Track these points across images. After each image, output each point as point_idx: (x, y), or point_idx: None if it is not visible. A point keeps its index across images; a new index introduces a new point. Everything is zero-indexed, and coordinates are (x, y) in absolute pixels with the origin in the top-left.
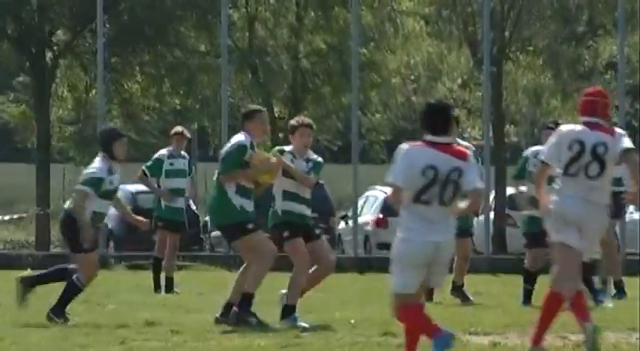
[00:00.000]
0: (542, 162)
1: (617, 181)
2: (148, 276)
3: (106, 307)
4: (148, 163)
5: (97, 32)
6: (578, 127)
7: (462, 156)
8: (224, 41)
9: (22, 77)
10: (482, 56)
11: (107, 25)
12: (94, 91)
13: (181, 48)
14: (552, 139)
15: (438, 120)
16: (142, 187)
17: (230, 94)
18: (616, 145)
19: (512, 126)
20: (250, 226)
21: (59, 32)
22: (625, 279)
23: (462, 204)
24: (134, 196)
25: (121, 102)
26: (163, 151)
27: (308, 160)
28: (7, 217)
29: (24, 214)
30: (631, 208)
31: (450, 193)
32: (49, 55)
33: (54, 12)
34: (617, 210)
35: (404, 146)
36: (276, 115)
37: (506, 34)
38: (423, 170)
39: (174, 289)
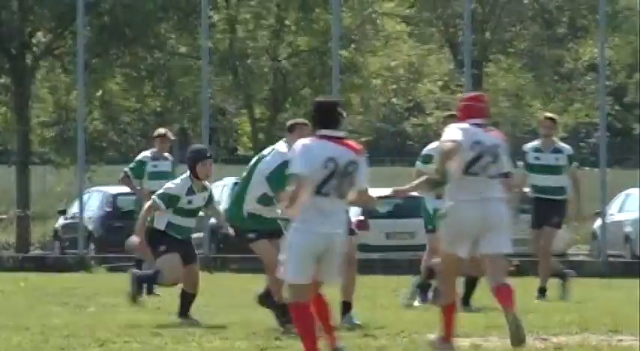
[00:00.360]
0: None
1: (561, 190)
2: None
3: (86, 310)
4: (131, 165)
5: (77, 34)
6: (473, 129)
7: (357, 150)
8: (205, 43)
9: (1, 78)
10: (463, 58)
11: (87, 27)
12: (74, 93)
13: (162, 50)
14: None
15: (330, 115)
16: (122, 189)
17: (211, 95)
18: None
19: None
20: (251, 235)
21: (39, 34)
22: (608, 281)
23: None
24: (114, 197)
25: (101, 104)
26: (147, 153)
27: None
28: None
29: (4, 216)
30: (612, 209)
31: (347, 186)
32: (29, 56)
33: (34, 13)
34: (559, 219)
35: (302, 140)
36: (257, 116)
37: (487, 36)
38: (324, 162)
39: (154, 291)
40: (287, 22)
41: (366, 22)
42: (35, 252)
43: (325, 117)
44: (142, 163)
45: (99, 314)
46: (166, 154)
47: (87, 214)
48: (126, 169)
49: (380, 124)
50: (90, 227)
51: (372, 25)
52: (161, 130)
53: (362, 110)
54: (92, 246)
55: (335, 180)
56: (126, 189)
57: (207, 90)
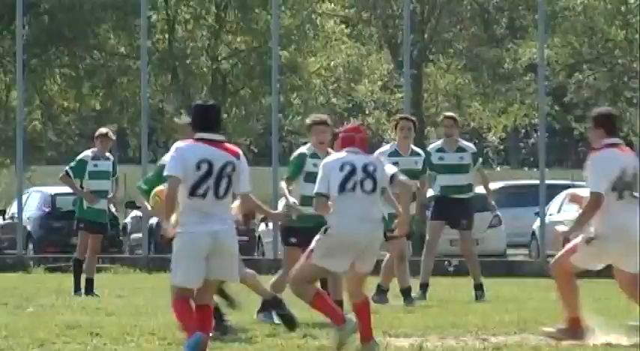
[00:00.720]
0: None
1: (467, 188)
2: (67, 278)
3: (25, 310)
4: (72, 164)
5: (16, 33)
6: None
7: (234, 153)
8: (144, 43)
9: None
10: (402, 58)
11: (27, 27)
12: (13, 93)
13: (101, 50)
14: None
15: (209, 119)
16: (61, 189)
17: (150, 96)
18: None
19: (432, 128)
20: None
21: None
22: (546, 281)
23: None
24: (53, 197)
25: (41, 104)
26: (88, 153)
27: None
28: None
29: None
30: (551, 209)
31: (225, 187)
32: None
33: None
34: (468, 220)
35: (176, 144)
36: None
37: (427, 36)
38: (197, 164)
39: (94, 292)
40: (226, 22)
41: (306, 22)
42: None
43: (203, 120)
44: (82, 162)
45: (38, 314)
46: (108, 154)
47: (26, 214)
48: (67, 168)
49: None
50: (29, 227)
51: (311, 25)
52: (103, 130)
53: (302, 111)
54: (31, 246)
55: (211, 180)
56: (65, 189)
57: (146, 90)
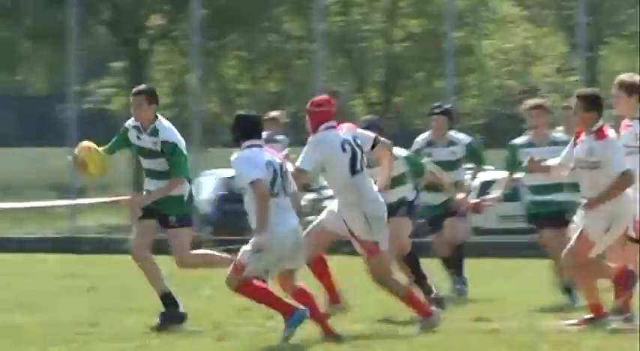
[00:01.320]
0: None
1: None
2: None
3: (201, 292)
4: None
5: (192, 17)
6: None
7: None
8: (319, 26)
9: (117, 62)
10: (577, 41)
11: (202, 10)
12: (189, 76)
13: (277, 32)
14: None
15: (254, 127)
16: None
17: (325, 79)
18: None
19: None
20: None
21: (154, 17)
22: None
23: None
24: (228, 180)
25: (217, 87)
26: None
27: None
28: (101, 200)
29: (119, 198)
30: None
31: (287, 184)
32: (144, 40)
33: None
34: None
35: (242, 153)
36: (371, 100)
37: (601, 18)
38: (266, 166)
39: None
40: (401, 5)
41: (480, 4)
42: None
43: (249, 129)
44: None
45: (214, 297)
46: (279, 137)
47: (202, 197)
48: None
49: (494, 108)
50: (205, 210)
51: (485, 8)
52: (272, 113)
53: (476, 93)
54: (207, 228)
55: (279, 180)
56: None
57: (322, 73)
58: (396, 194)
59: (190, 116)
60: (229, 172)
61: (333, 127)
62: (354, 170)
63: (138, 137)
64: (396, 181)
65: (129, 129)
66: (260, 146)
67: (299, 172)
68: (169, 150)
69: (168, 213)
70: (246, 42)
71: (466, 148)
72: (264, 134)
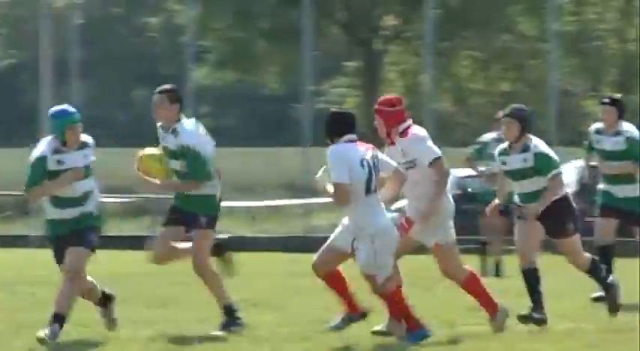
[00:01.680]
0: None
1: None
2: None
3: (433, 291)
4: (476, 147)
5: (425, 17)
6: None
7: (369, 147)
8: (552, 26)
9: (351, 62)
10: None
11: (436, 10)
12: (422, 76)
13: (511, 32)
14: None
15: (347, 123)
16: (468, 172)
17: (559, 78)
18: None
19: None
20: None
21: (388, 18)
22: None
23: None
24: (460, 180)
25: (450, 86)
26: (492, 135)
27: None
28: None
29: None
30: None
31: (377, 179)
32: (378, 40)
33: None
34: None
35: (339, 148)
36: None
37: None
38: (360, 163)
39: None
40: (636, 3)
41: None
42: None
43: (343, 125)
44: (484, 145)
45: (446, 295)
46: None
47: None
48: (470, 150)
49: None
50: None
51: None
52: (501, 113)
53: None
54: None
55: (374, 176)
56: (472, 172)
57: (555, 73)
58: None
59: (424, 115)
60: (464, 172)
61: (353, 142)
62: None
63: (163, 137)
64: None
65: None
66: (354, 141)
67: (341, 188)
68: (185, 152)
69: (199, 213)
70: (480, 42)
71: None
72: (494, 134)
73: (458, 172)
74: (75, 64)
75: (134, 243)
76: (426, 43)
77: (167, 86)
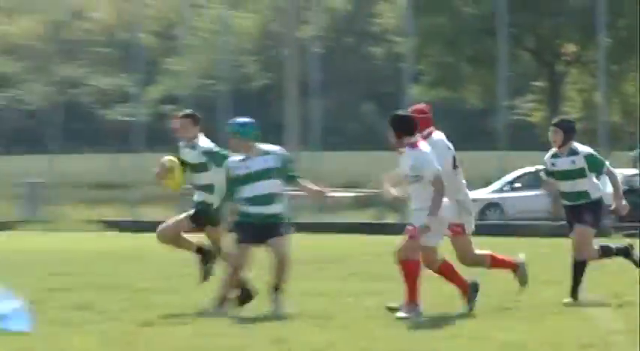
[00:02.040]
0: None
1: None
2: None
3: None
4: (639, 151)
5: (599, 45)
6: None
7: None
8: None
9: (538, 82)
10: None
11: (608, 39)
12: (597, 94)
13: None
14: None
15: (413, 124)
16: (634, 171)
17: None
18: None
19: None
20: None
21: (569, 45)
22: None
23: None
24: (627, 178)
25: (619, 101)
26: None
27: None
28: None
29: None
30: None
31: None
32: (560, 63)
33: (564, 28)
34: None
35: (426, 145)
36: None
37: None
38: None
39: None
40: None
41: None
42: None
43: (412, 126)
44: None
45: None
46: None
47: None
48: (634, 153)
49: None
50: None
51: None
52: None
53: None
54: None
55: None
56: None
57: None
58: None
59: (597, 126)
60: (630, 171)
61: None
62: (455, 165)
63: (186, 152)
64: None
65: (180, 148)
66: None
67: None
68: (206, 154)
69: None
70: None
71: None
72: None
73: (625, 172)
74: (315, 84)
75: (365, 228)
76: (600, 66)
77: (190, 111)
